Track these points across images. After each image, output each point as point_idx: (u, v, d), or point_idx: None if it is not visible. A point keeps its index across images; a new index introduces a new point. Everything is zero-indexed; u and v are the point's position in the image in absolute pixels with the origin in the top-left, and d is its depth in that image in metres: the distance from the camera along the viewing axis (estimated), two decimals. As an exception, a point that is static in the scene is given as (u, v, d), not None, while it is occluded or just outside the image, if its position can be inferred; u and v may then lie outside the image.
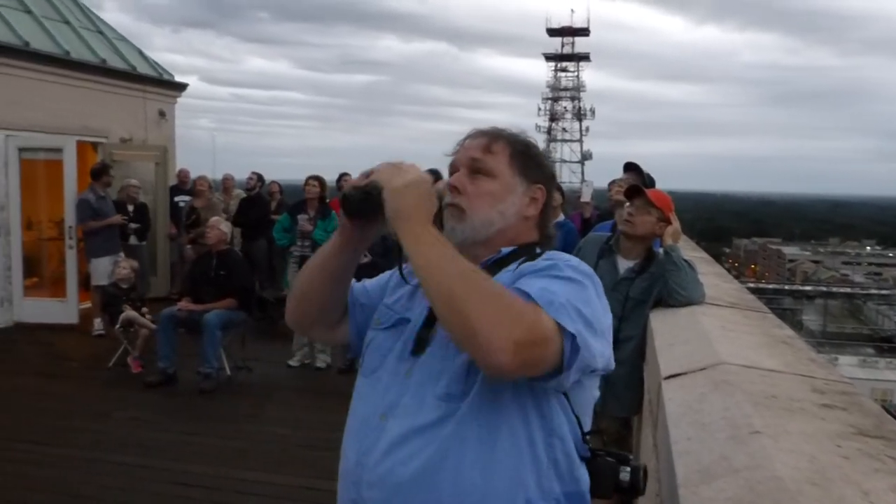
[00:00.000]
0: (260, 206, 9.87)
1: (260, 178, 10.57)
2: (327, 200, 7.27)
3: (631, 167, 4.81)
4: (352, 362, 6.92)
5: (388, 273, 1.65)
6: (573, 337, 1.22)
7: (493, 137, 1.48)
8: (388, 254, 6.48)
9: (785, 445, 1.46)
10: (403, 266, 1.52)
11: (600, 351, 1.30)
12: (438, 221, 1.36)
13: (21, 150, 8.76)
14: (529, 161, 1.49)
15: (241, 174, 10.98)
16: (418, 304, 1.48)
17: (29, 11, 9.74)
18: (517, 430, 1.31)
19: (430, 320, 1.39)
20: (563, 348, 1.22)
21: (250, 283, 6.97)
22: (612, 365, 1.37)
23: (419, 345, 1.40)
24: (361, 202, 1.35)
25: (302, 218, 6.93)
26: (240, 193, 10.48)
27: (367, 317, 1.60)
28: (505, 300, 1.20)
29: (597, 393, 1.43)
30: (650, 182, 4.58)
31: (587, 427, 1.42)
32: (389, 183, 1.32)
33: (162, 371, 6.42)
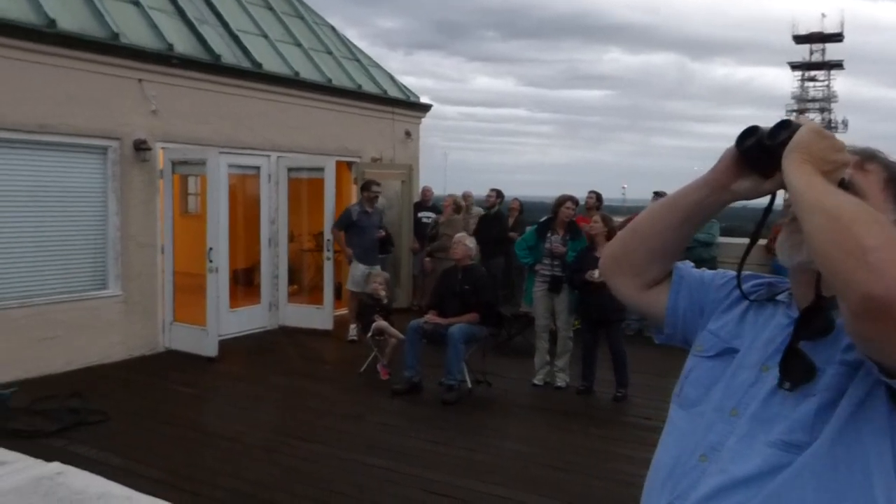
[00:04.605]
0: (499, 223, 10.09)
1: (499, 194, 10.81)
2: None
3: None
4: (590, 385, 6.81)
5: (713, 275, 1.50)
6: None
7: (867, 156, 1.31)
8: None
9: None
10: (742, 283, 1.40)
11: None
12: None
13: (289, 169, 9.69)
14: None
15: (468, 189, 11.32)
16: (748, 332, 1.35)
17: (299, 45, 10.78)
18: (867, 494, 1.13)
19: (789, 353, 1.25)
20: None
21: (493, 299, 7.11)
22: None
23: (791, 376, 1.22)
24: (775, 128, 1.24)
25: (554, 239, 6.90)
26: (478, 210, 10.79)
27: (691, 305, 1.48)
28: None
29: None
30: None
31: None
32: (809, 125, 1.21)
33: (408, 380, 6.73)
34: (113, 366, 7.56)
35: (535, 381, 7.06)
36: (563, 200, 7.00)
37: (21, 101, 6.92)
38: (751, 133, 1.28)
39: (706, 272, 1.52)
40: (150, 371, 7.52)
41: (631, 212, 13.39)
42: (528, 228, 8.56)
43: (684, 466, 1.29)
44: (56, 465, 1.64)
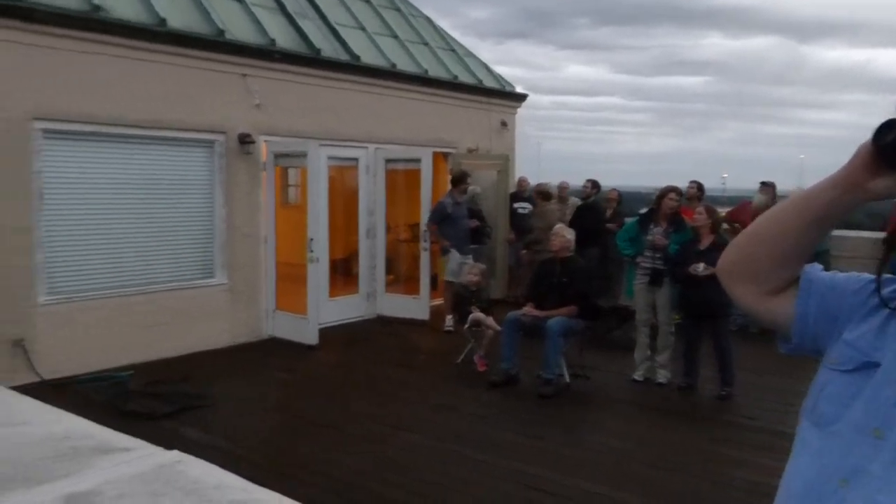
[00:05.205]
0: (595, 213, 9.91)
1: (595, 185, 10.62)
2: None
3: None
4: (693, 382, 6.59)
5: (846, 279, 1.37)
6: None
7: None
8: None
9: None
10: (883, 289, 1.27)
11: None
12: None
13: (387, 160, 9.80)
14: None
15: (564, 180, 11.20)
16: (891, 344, 1.22)
17: (396, 37, 10.86)
18: None
19: None
20: None
21: (592, 292, 6.97)
22: None
23: None
24: None
25: (657, 231, 6.71)
26: (575, 201, 10.64)
27: (823, 313, 1.34)
28: None
29: None
30: None
31: None
32: None
33: (504, 372, 6.69)
34: (219, 352, 7.85)
35: (635, 377, 6.89)
36: (666, 191, 6.79)
37: (136, 98, 7.24)
38: (890, 127, 1.16)
39: (838, 275, 1.39)
40: (254, 358, 7.76)
41: (732, 202, 12.88)
42: (628, 220, 8.35)
43: (821, 491, 1.19)
44: (175, 454, 1.68)
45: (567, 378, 6.69)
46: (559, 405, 6.27)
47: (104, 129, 7.08)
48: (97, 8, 6.91)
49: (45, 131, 6.66)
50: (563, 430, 5.70)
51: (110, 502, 1.41)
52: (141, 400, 6.07)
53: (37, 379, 6.39)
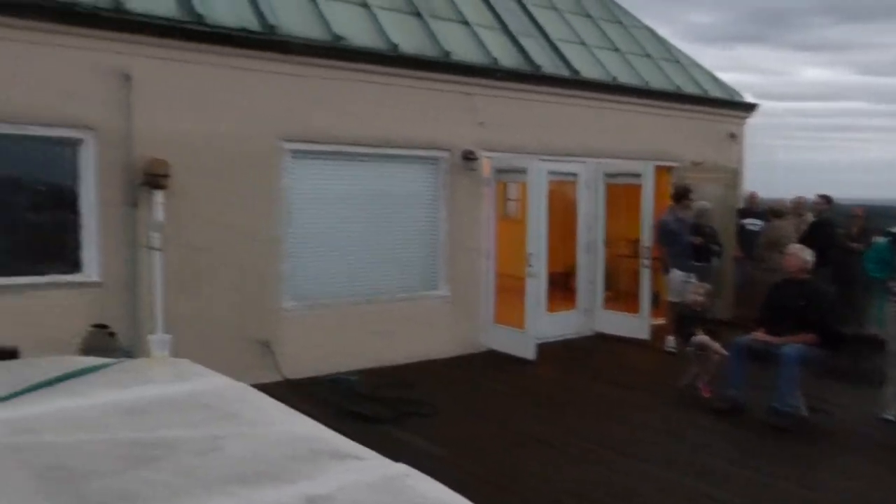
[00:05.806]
0: (828, 231, 9.07)
1: (828, 200, 9.74)
2: None
3: None
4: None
5: None
6: None
7: None
8: None
9: None
10: None
11: None
12: None
13: (607, 175, 9.63)
14: None
15: (797, 193, 10.40)
16: None
17: (617, 50, 10.68)
18: None
19: None
20: None
21: (834, 318, 6.33)
22: None
23: None
24: None
25: None
26: (811, 217, 9.80)
27: None
28: None
29: None
30: None
31: None
32: None
33: (731, 399, 6.29)
34: (439, 362, 8.11)
35: (886, 416, 6.15)
36: None
37: (371, 119, 7.74)
38: None
39: None
40: (472, 369, 7.94)
41: None
42: (877, 239, 7.53)
43: None
44: (403, 467, 1.73)
45: (805, 411, 6.12)
46: (793, 440, 5.76)
47: (342, 149, 7.64)
48: (339, 38, 7.49)
49: (293, 152, 7.33)
50: (796, 468, 5.22)
51: (343, 508, 1.47)
52: (367, 403, 6.44)
53: (279, 378, 7.01)
